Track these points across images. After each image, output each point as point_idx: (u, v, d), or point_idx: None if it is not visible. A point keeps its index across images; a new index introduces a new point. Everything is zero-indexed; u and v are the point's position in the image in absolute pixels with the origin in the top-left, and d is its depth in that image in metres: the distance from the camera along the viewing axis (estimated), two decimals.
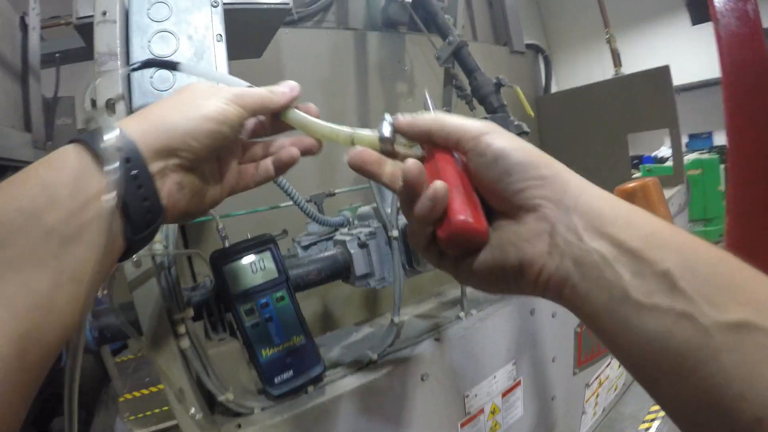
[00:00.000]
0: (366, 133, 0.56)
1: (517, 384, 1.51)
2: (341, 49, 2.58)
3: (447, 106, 1.38)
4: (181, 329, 0.92)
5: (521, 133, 1.69)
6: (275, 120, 0.63)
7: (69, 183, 0.40)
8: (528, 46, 3.41)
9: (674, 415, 0.37)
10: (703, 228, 4.49)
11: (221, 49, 1.00)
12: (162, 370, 0.90)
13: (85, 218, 0.40)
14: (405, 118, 0.54)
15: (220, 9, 1.02)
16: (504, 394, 1.47)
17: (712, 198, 4.52)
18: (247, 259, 1.00)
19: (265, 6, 1.37)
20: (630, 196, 1.77)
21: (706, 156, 4.80)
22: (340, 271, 1.18)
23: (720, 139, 8.21)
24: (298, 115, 0.60)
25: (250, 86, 0.59)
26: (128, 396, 3.55)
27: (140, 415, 3.27)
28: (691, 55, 7.88)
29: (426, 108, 0.63)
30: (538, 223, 0.46)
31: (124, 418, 2.98)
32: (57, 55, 2.93)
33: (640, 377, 0.41)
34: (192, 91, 0.54)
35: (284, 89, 0.59)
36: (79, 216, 0.40)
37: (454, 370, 1.27)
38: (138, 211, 0.45)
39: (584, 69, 8.02)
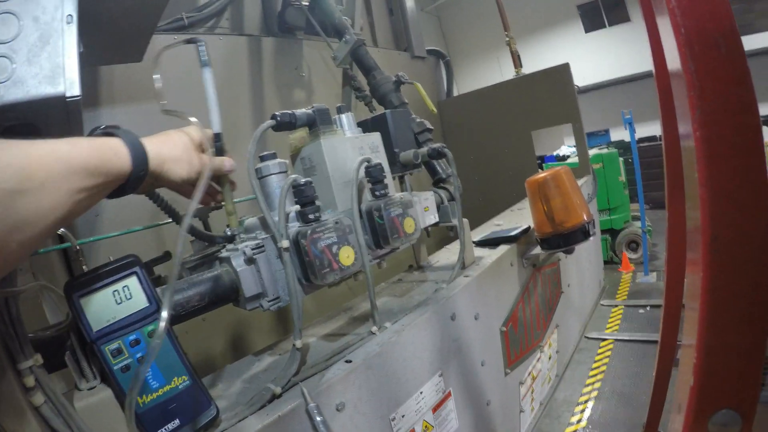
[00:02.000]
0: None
1: (448, 396, 1.40)
2: (235, 55, 2.41)
3: (346, 108, 1.25)
4: (30, 381, 0.73)
5: (424, 131, 1.61)
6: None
7: (117, 152, 0.73)
8: (429, 51, 3.44)
9: None
10: (608, 217, 4.77)
11: (71, 32, 0.84)
12: None
13: (101, 181, 0.69)
14: None
15: None
16: (435, 409, 1.35)
17: (615, 188, 4.81)
18: (109, 288, 0.80)
19: None
20: (542, 186, 1.75)
21: (605, 151, 5.10)
22: (227, 293, 0.99)
23: (617, 135, 8.94)
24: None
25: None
26: None
27: None
28: (585, 60, 8.53)
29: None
30: None
31: None
32: None
33: None
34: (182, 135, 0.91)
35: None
36: (97, 178, 0.67)
37: (374, 393, 1.12)
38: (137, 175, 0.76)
39: (484, 75, 8.40)
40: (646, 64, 1.12)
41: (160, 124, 1.01)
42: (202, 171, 0.86)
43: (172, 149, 0.85)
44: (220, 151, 0.99)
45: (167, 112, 1.00)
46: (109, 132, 0.79)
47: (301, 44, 2.64)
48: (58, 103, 0.83)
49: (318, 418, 0.93)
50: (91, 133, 0.81)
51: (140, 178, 0.77)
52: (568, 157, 5.48)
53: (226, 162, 0.96)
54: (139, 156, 0.76)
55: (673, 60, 0.64)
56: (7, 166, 0.54)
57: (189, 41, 1.06)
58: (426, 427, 1.31)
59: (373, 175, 1.16)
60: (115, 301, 0.81)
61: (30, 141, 0.60)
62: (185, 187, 0.88)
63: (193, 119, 0.93)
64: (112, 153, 0.72)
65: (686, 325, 0.66)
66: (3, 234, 0.53)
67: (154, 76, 1.09)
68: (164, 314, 0.69)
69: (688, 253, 0.69)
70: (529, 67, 3.43)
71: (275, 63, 2.52)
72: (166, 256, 1.27)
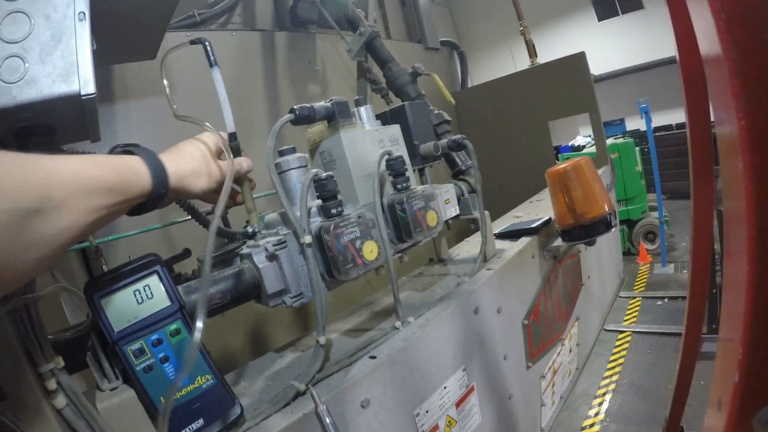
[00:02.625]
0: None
1: (471, 390, 1.38)
2: (248, 51, 2.39)
3: (364, 101, 1.23)
4: (51, 384, 0.72)
5: (443, 122, 1.58)
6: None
7: (137, 171, 0.73)
8: (443, 43, 3.39)
9: None
10: (625, 207, 4.69)
11: (84, 29, 0.82)
12: None
13: (122, 198, 0.69)
14: None
15: None
16: (458, 404, 1.33)
17: (631, 179, 4.73)
18: (130, 287, 0.80)
19: None
20: (563, 177, 1.71)
21: (621, 140, 5.02)
22: (249, 290, 0.98)
23: (632, 124, 8.80)
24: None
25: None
26: None
27: None
28: (598, 48, 8.40)
29: None
30: None
31: None
32: None
33: None
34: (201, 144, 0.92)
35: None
36: (119, 196, 0.68)
37: (399, 389, 1.11)
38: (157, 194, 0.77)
39: (497, 66, 8.30)
40: (661, 52, 1.09)
41: (174, 122, 1.01)
42: (224, 177, 0.88)
43: (191, 162, 0.86)
44: (236, 151, 0.98)
45: (181, 117, 0.99)
46: (128, 150, 0.79)
47: (314, 38, 2.62)
48: (73, 101, 0.83)
49: (327, 420, 0.92)
50: (111, 152, 0.81)
51: (161, 196, 0.77)
52: (584, 147, 5.40)
53: (244, 163, 0.97)
54: (159, 174, 0.77)
55: (711, 46, 0.60)
56: (28, 184, 0.54)
57: (194, 42, 1.05)
58: (449, 422, 1.30)
59: (395, 167, 1.15)
60: (136, 301, 0.80)
61: (51, 156, 0.61)
62: (208, 196, 0.89)
63: (207, 125, 0.93)
64: (132, 172, 0.73)
65: (725, 318, 0.64)
66: (19, 252, 0.53)
67: (164, 82, 1.08)
68: (199, 324, 0.69)
69: (727, 243, 0.66)
70: (542, 56, 3.37)
71: (288, 57, 2.51)
72: (186, 253, 1.26)
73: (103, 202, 0.65)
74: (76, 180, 0.61)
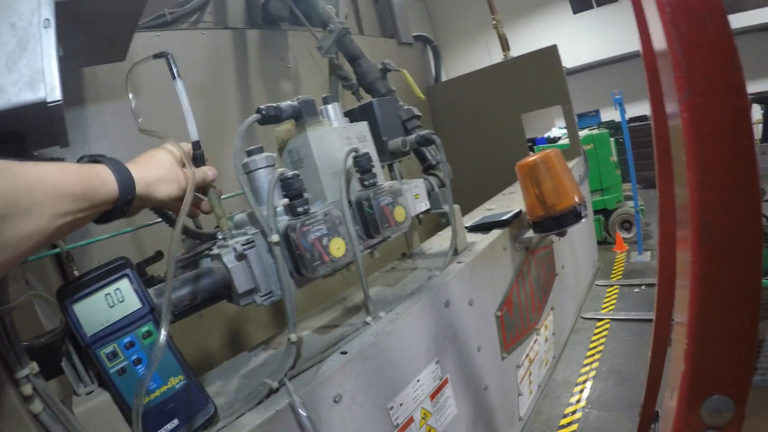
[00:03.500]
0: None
1: (445, 382, 1.40)
2: (220, 50, 2.37)
3: (333, 98, 1.24)
4: (27, 389, 0.73)
5: (412, 117, 1.60)
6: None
7: (104, 179, 0.74)
8: (416, 37, 3.40)
9: None
10: (601, 197, 4.78)
11: (49, 36, 0.83)
12: None
13: (88, 204, 0.70)
14: None
15: None
16: (432, 396, 1.36)
17: (606, 169, 4.82)
18: (100, 291, 0.80)
19: None
20: (533, 170, 1.74)
21: (596, 131, 5.10)
22: (220, 290, 0.98)
23: (607, 115, 8.95)
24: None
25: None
26: None
27: None
28: (574, 41, 8.53)
29: None
30: None
31: None
32: None
33: None
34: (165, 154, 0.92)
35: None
36: (101, 190, 0.72)
37: (371, 383, 1.12)
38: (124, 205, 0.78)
39: (473, 60, 8.35)
40: (635, 44, 1.12)
41: (144, 120, 1.00)
42: (191, 184, 0.89)
43: (157, 170, 0.87)
44: (200, 159, 0.98)
45: (145, 132, 1.00)
46: (95, 159, 0.80)
47: (286, 35, 2.61)
48: (40, 108, 0.83)
49: (303, 413, 0.94)
50: (79, 161, 0.82)
51: (127, 203, 0.78)
52: (560, 138, 5.48)
53: (209, 172, 0.97)
54: (126, 181, 0.78)
55: (659, 40, 0.63)
56: None
57: (157, 56, 1.06)
58: (425, 414, 1.32)
59: (361, 164, 1.16)
60: (107, 305, 0.80)
61: (19, 162, 0.61)
62: (174, 204, 0.89)
63: (170, 138, 0.95)
64: (99, 180, 0.73)
65: (678, 303, 0.66)
66: None
67: (129, 95, 1.09)
68: (163, 333, 0.72)
69: (678, 231, 0.69)
70: (519, 49, 3.41)
71: (261, 55, 2.49)
72: (158, 255, 1.26)
73: (70, 208, 0.66)
74: (44, 186, 0.62)
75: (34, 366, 0.76)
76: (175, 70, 1.02)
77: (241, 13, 2.58)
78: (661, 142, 1.31)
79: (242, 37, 2.47)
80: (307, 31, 2.41)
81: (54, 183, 0.64)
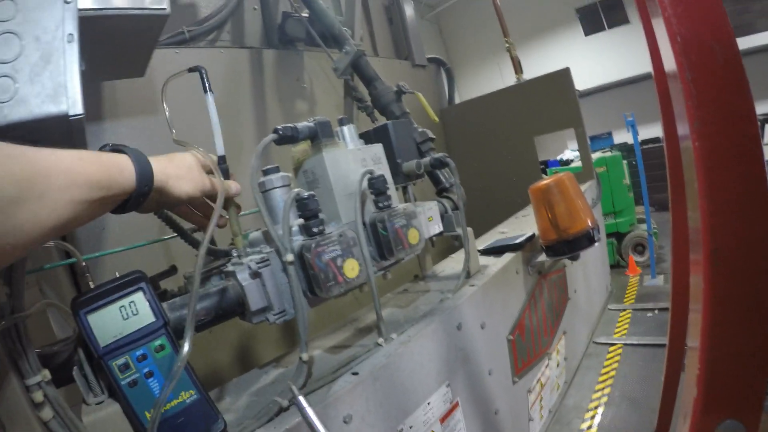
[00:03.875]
0: None
1: (455, 406, 1.39)
2: (237, 68, 2.42)
3: (348, 120, 1.26)
4: (38, 396, 0.74)
5: (427, 140, 1.61)
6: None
7: (122, 168, 0.74)
8: (430, 59, 3.45)
9: None
10: (613, 221, 4.75)
11: (72, 51, 0.86)
12: None
13: (108, 194, 0.70)
14: None
15: (73, 6, 0.88)
16: (442, 420, 1.34)
17: (619, 192, 4.80)
18: (116, 303, 0.81)
19: (139, 12, 1.22)
20: (546, 193, 1.74)
21: (609, 154, 5.09)
22: (233, 307, 0.99)
23: (620, 137, 8.94)
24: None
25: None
26: None
27: None
28: (586, 63, 8.59)
29: None
30: None
31: None
32: None
33: None
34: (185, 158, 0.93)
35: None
36: (118, 179, 0.72)
37: (382, 405, 1.11)
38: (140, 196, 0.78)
39: (485, 82, 8.43)
40: (647, 66, 1.12)
41: (164, 142, 1.03)
42: (218, 194, 0.89)
43: (178, 168, 0.87)
44: (225, 173, 1.00)
45: (178, 142, 1.02)
46: (117, 149, 0.80)
47: (302, 55, 2.65)
48: (61, 121, 0.85)
49: (307, 408, 0.92)
50: (101, 150, 0.82)
51: (144, 194, 0.78)
52: (572, 161, 5.48)
53: (233, 185, 0.99)
54: (144, 172, 0.77)
55: (671, 67, 0.63)
56: (10, 174, 0.55)
57: (192, 69, 1.08)
58: None
59: (376, 186, 1.17)
60: (121, 317, 0.81)
61: (36, 149, 0.61)
62: (191, 204, 0.89)
63: (200, 149, 0.97)
64: (117, 169, 0.73)
65: (691, 327, 0.66)
66: None
67: (164, 105, 1.12)
68: (187, 345, 0.74)
69: (692, 254, 0.69)
70: (530, 72, 3.44)
71: (276, 75, 2.54)
72: (172, 270, 1.28)
73: (86, 195, 0.65)
74: (60, 172, 0.62)
75: (47, 374, 0.77)
76: (207, 85, 1.05)
77: (258, 33, 2.65)
78: (674, 164, 1.31)
79: (259, 57, 2.52)
80: (322, 52, 2.46)
81: (70, 169, 0.64)
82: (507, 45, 3.29)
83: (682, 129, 0.64)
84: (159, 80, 1.86)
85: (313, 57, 2.69)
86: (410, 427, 1.20)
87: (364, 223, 1.16)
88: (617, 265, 4.63)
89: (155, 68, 1.76)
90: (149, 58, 1.66)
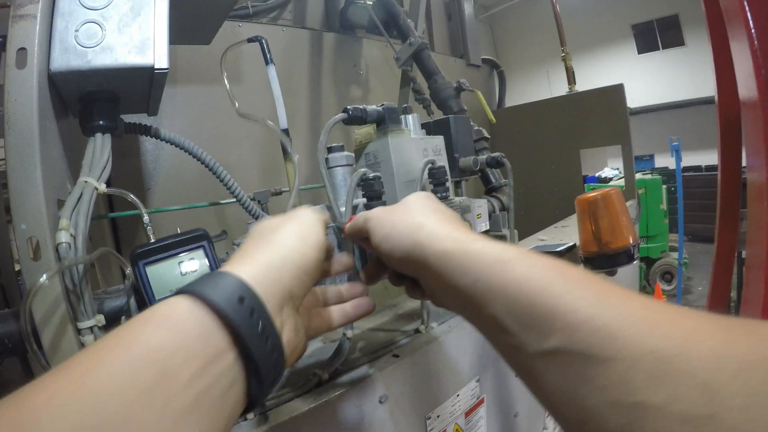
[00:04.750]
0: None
1: (481, 402, 1.40)
2: (296, 48, 2.46)
3: (411, 109, 1.28)
4: (89, 341, 0.76)
5: (481, 139, 1.62)
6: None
7: (183, 347, 0.34)
8: (484, 60, 3.43)
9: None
10: (645, 245, 4.66)
11: (162, 6, 0.87)
12: None
13: (204, 384, 0.34)
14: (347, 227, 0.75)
15: None
16: (467, 414, 1.36)
17: (655, 216, 4.71)
18: (175, 258, 0.83)
19: None
20: (592, 205, 1.73)
21: (649, 176, 5.00)
22: None
23: (661, 161, 8.74)
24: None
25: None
26: None
27: None
28: (634, 81, 8.41)
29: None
30: None
31: None
32: None
33: None
34: (299, 222, 0.58)
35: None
36: (197, 383, 0.34)
37: (416, 390, 1.14)
38: (267, 368, 0.40)
39: (532, 88, 8.32)
40: (698, 91, 1.12)
41: (221, 109, 1.04)
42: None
43: (273, 234, 0.54)
44: (287, 147, 1.02)
45: (244, 115, 1.02)
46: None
47: (361, 42, 2.68)
48: (145, 73, 0.85)
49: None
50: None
51: (262, 336, 0.40)
52: (611, 179, 5.39)
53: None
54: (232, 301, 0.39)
55: (749, 92, 0.64)
56: None
57: (251, 39, 1.09)
58: (457, 430, 1.32)
59: (437, 176, 1.19)
60: (180, 273, 0.83)
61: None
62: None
63: (271, 125, 0.97)
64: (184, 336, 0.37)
65: None
66: None
67: (223, 75, 1.12)
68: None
69: (745, 290, 0.69)
70: (579, 84, 3.40)
71: (334, 58, 2.57)
72: (223, 234, 1.32)
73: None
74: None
75: (101, 319, 0.78)
76: (268, 56, 1.06)
77: (320, 16, 2.67)
78: (726, 193, 1.29)
79: (318, 39, 2.56)
80: (380, 41, 2.48)
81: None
82: (563, 54, 3.25)
83: (752, 159, 0.64)
84: (218, 51, 1.92)
85: (370, 46, 2.71)
86: (437, 416, 1.23)
87: None
88: (643, 290, 4.56)
89: (216, 39, 1.79)
90: (219, 26, 1.69)
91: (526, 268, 0.43)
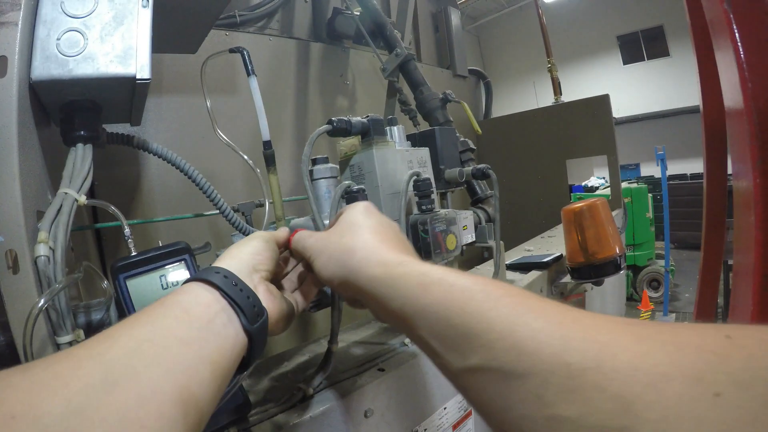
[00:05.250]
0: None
1: (468, 414, 1.39)
2: (283, 57, 2.46)
3: (396, 121, 1.28)
4: None
5: (467, 150, 1.63)
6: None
7: (196, 303, 0.52)
8: (470, 71, 3.46)
9: None
10: (632, 253, 4.70)
11: (146, 16, 0.85)
12: None
13: (209, 317, 0.51)
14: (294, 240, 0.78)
15: None
16: (455, 427, 1.34)
17: (641, 224, 4.75)
18: (157, 272, 0.82)
19: None
20: (578, 216, 1.75)
21: (634, 185, 5.05)
22: None
23: (647, 170, 8.86)
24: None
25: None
26: None
27: None
28: (620, 92, 8.54)
29: None
30: None
31: None
32: None
33: None
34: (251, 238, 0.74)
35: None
36: (206, 317, 0.51)
37: (402, 404, 1.12)
38: (246, 305, 0.56)
39: (518, 98, 8.42)
40: (683, 101, 1.13)
41: (206, 119, 1.03)
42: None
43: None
44: (271, 159, 1.01)
45: (222, 139, 1.01)
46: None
47: (348, 53, 2.68)
48: (127, 83, 0.84)
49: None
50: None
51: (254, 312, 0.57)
52: (597, 188, 5.44)
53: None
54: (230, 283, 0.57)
55: (735, 102, 0.64)
56: None
57: (233, 50, 1.08)
58: None
59: (422, 189, 1.18)
60: (161, 286, 0.81)
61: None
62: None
63: (246, 160, 0.99)
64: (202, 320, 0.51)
65: None
66: None
67: (203, 89, 1.11)
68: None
69: (733, 298, 0.69)
70: (566, 94, 3.44)
71: (321, 69, 2.57)
72: (206, 246, 1.30)
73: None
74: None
75: (81, 334, 0.77)
76: (250, 67, 1.05)
77: (307, 26, 2.68)
78: (712, 202, 1.30)
79: (306, 49, 2.56)
80: (367, 52, 2.48)
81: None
82: (549, 65, 3.29)
83: (738, 167, 0.65)
84: (200, 62, 1.91)
85: (357, 56, 2.72)
86: (425, 430, 1.21)
87: (406, 223, 1.17)
88: (630, 298, 4.59)
89: (203, 48, 1.77)
90: (205, 35, 1.68)
91: (445, 290, 0.46)
